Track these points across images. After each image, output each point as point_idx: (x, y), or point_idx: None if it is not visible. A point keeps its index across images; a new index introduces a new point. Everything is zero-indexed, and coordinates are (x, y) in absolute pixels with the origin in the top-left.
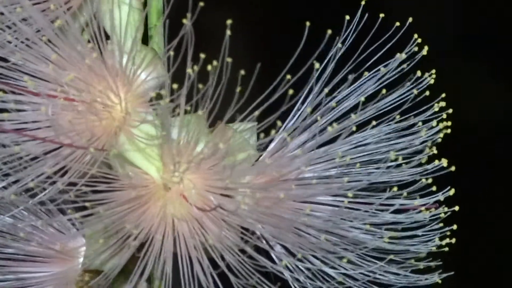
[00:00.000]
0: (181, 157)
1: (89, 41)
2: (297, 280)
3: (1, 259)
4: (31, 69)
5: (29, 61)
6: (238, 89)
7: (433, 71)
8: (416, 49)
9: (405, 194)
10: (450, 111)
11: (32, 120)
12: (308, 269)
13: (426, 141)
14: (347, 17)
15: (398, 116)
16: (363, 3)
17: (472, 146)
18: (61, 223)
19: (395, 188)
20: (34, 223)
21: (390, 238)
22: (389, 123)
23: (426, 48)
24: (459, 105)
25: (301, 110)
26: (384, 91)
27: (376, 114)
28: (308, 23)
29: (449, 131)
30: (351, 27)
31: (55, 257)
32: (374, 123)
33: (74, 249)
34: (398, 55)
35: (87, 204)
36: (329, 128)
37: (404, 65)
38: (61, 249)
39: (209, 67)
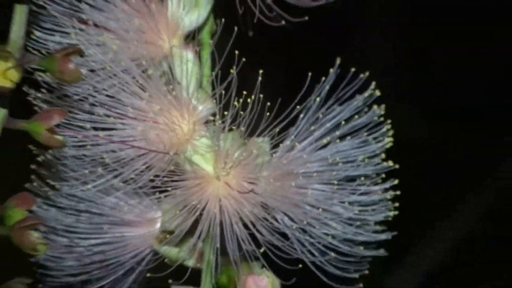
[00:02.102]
0: (227, 159)
1: (166, 84)
2: (298, 238)
3: (105, 223)
4: (128, 102)
5: (127, 97)
6: (266, 114)
7: (383, 106)
8: (372, 91)
9: (368, 183)
10: (392, 131)
11: (130, 135)
12: (305, 231)
13: (378, 149)
14: (331, 70)
15: (365, 133)
16: (338, 61)
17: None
18: (148, 201)
19: (362, 178)
20: (130, 202)
21: (358, 211)
22: (358, 137)
23: (377, 91)
24: (399, 129)
25: (303, 125)
26: (356, 116)
27: (350, 131)
28: (310, 73)
29: (391, 144)
30: (330, 77)
31: (143, 223)
32: (348, 137)
33: (156, 218)
34: (359, 96)
35: (168, 188)
36: (323, 138)
37: (364, 101)
38: (148, 218)
39: (248, 100)
